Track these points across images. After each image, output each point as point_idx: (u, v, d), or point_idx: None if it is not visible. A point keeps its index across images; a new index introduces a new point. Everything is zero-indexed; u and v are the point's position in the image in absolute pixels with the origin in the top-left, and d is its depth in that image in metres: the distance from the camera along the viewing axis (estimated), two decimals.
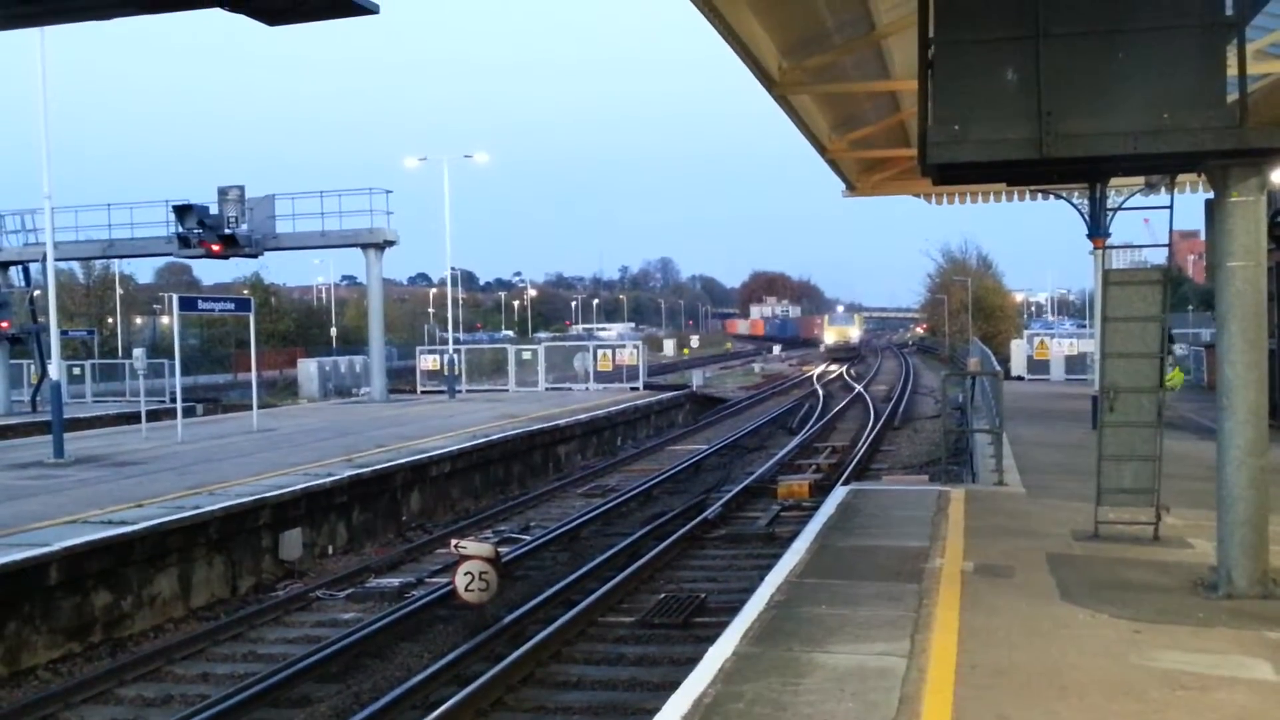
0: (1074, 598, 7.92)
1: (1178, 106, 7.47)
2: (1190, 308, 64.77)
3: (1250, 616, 7.41)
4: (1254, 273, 7.79)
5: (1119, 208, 20.42)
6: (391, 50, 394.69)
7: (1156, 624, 7.26)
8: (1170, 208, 10.52)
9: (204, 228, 30.94)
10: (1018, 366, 37.85)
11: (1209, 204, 8.06)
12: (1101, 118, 7.59)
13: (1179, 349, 34.64)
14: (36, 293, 33.62)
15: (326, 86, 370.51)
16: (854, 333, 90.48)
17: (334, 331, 75.00)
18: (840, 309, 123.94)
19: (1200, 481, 11.44)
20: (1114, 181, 19.27)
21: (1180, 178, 17.98)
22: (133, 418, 27.31)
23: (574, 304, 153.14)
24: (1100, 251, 19.17)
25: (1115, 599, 7.85)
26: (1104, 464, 9.80)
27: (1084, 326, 57.87)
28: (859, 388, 46.27)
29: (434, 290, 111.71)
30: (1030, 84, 7.61)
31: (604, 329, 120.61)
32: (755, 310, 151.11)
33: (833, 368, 67.27)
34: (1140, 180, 18.67)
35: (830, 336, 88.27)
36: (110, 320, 65.70)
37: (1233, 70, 7.68)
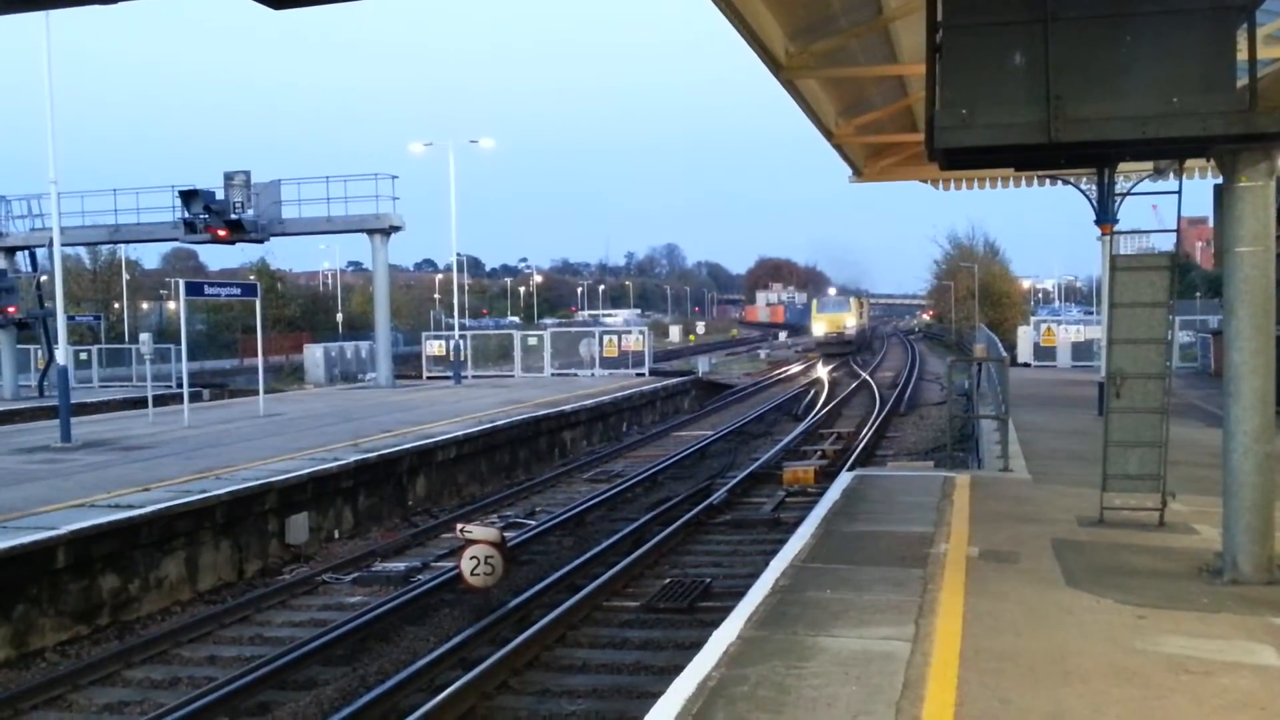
0: (1079, 583, 7.92)
1: (1187, 91, 7.43)
2: (1198, 294, 64.65)
3: (1255, 602, 7.42)
4: (1262, 258, 7.77)
5: (1127, 193, 20.34)
6: (397, 34, 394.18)
7: (1161, 609, 7.26)
8: (1179, 193, 10.45)
9: (210, 213, 30.94)
10: (1024, 353, 37.80)
11: (1218, 189, 8.02)
12: (1110, 102, 7.56)
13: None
14: (43, 278, 33.68)
15: (332, 71, 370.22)
16: (850, 321, 69.23)
17: (340, 317, 75.19)
18: (832, 291, 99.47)
19: (1206, 468, 11.45)
20: (1122, 167, 19.19)
21: (1189, 163, 17.87)
22: (139, 403, 27.41)
23: (580, 290, 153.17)
24: (1108, 237, 19.10)
25: (1120, 584, 7.86)
26: (1110, 450, 9.80)
27: (1091, 313, 57.74)
28: (865, 375, 46.22)
29: (440, 276, 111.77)
30: (1039, 68, 7.58)
31: (610, 315, 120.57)
32: (761, 296, 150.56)
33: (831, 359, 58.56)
34: (1149, 166, 18.57)
35: (820, 326, 69.35)
36: (116, 305, 65.81)
37: (1243, 55, 7.65)
